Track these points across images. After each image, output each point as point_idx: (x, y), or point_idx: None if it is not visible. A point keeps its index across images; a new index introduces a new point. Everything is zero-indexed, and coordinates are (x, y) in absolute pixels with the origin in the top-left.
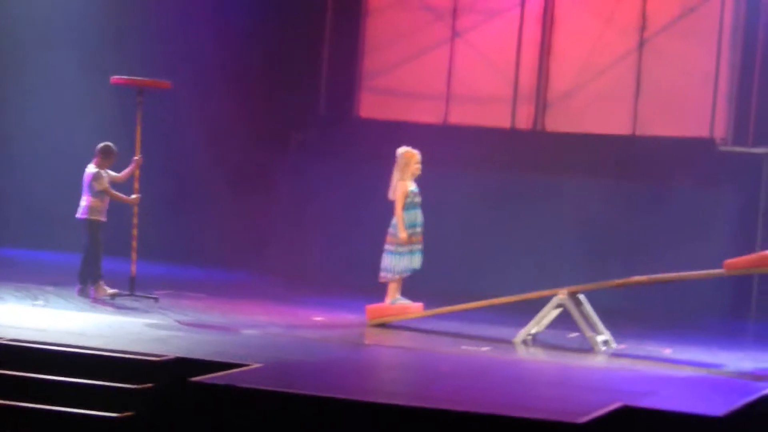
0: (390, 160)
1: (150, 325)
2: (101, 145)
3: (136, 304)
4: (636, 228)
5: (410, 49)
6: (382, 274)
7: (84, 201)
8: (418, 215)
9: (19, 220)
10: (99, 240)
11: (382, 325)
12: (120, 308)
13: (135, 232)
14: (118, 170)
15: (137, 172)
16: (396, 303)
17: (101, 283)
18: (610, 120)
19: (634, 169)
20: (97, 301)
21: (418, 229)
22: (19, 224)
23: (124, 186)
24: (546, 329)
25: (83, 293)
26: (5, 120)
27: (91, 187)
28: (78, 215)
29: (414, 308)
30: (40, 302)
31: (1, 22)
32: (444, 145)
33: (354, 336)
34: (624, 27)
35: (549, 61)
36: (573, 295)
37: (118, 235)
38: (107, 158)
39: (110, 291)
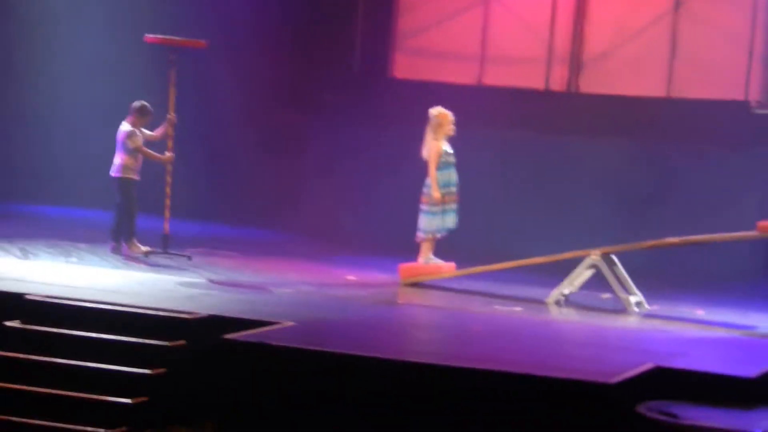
0: (424, 120)
1: (183, 283)
2: (137, 103)
3: (169, 262)
4: (670, 190)
5: (444, 10)
6: (418, 233)
7: (118, 159)
8: (452, 175)
9: (54, 179)
10: (133, 198)
11: (415, 285)
12: (153, 266)
13: (168, 190)
14: (152, 129)
15: (171, 131)
16: (429, 262)
17: (134, 240)
18: (644, 82)
19: (668, 131)
20: (130, 258)
21: (453, 189)
22: (54, 182)
23: (158, 145)
24: (579, 290)
25: (116, 251)
26: (40, 80)
27: (125, 145)
28: (112, 173)
29: (447, 268)
30: (74, 259)
31: None
32: (478, 105)
33: (387, 295)
34: None
35: (583, 23)
36: (606, 256)
37: (151, 193)
38: (143, 117)
39: (144, 249)
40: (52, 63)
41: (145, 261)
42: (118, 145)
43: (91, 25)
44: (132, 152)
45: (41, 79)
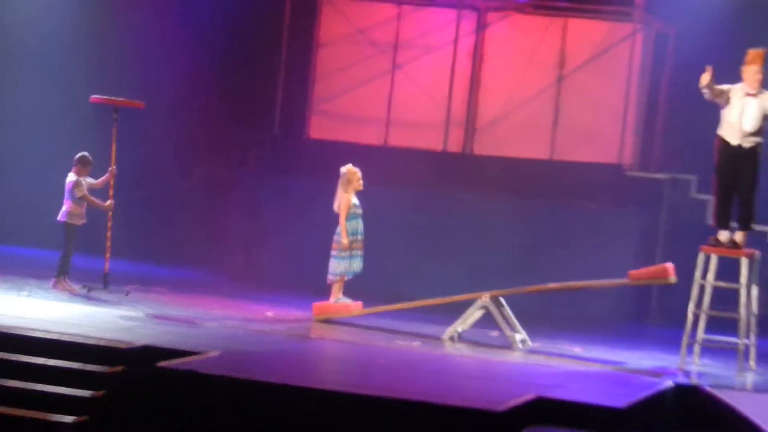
0: (335, 175)
1: (121, 316)
2: (79, 155)
3: (109, 297)
4: (552, 242)
5: (356, 79)
6: (329, 276)
7: (65, 206)
8: (359, 225)
9: (8, 220)
10: (72, 241)
11: (327, 321)
12: (94, 300)
13: (109, 233)
14: (95, 177)
15: (112, 181)
16: (339, 302)
17: (64, 278)
18: (530, 146)
19: (551, 190)
20: (74, 293)
21: (359, 237)
22: (8, 223)
23: (100, 192)
24: (470, 328)
25: (57, 286)
26: None
27: (71, 193)
28: (59, 218)
29: (355, 306)
30: (24, 293)
31: None
32: (384, 164)
33: (301, 330)
34: (544, 64)
35: (478, 93)
36: (495, 299)
37: (94, 235)
38: (84, 167)
39: (73, 287)
40: (8, 118)
41: (87, 296)
42: (66, 193)
43: (44, 85)
44: (78, 200)
45: None
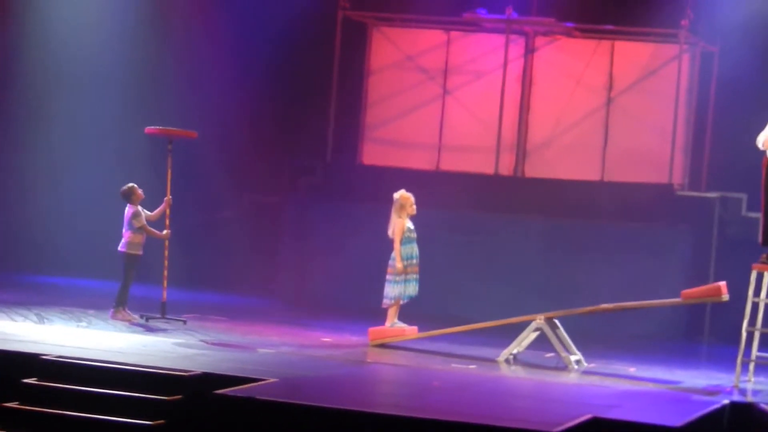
0: (388, 201)
1: (179, 344)
2: (129, 187)
3: (167, 326)
4: (603, 262)
5: (407, 105)
6: (384, 300)
7: (124, 236)
8: (414, 249)
9: (67, 251)
10: (132, 271)
11: (382, 346)
12: (153, 329)
13: (166, 262)
14: (150, 209)
15: (168, 211)
16: (394, 326)
17: (123, 308)
18: (580, 168)
19: (602, 210)
20: (133, 323)
21: (414, 261)
22: (67, 255)
23: (156, 223)
24: (526, 350)
25: (116, 316)
26: (56, 162)
27: (130, 223)
28: (119, 248)
29: (410, 331)
30: (84, 324)
31: (45, 74)
32: (436, 188)
33: (357, 355)
34: (593, 87)
35: (527, 116)
36: (549, 320)
37: (152, 265)
38: (130, 196)
39: (132, 316)
40: (68, 149)
41: (145, 325)
42: (125, 224)
43: (98, 110)
44: (137, 230)
45: (57, 162)
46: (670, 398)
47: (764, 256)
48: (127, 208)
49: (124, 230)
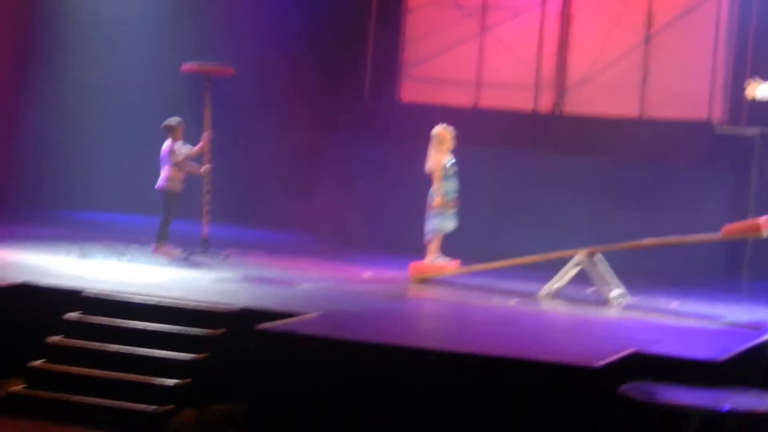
0: (427, 138)
1: (220, 279)
2: (171, 121)
3: (208, 261)
4: (644, 199)
5: (445, 42)
6: (426, 235)
7: (163, 173)
8: (453, 184)
9: (108, 188)
10: (172, 207)
11: (423, 281)
12: (194, 264)
13: (206, 198)
14: (186, 140)
15: (207, 147)
16: (435, 261)
17: (164, 243)
18: (620, 105)
19: (642, 148)
20: (175, 257)
21: (453, 196)
22: (108, 191)
23: (197, 158)
24: (567, 285)
25: (158, 251)
26: (96, 103)
27: (168, 159)
28: (158, 185)
29: (451, 265)
30: (126, 258)
31: (81, 17)
32: (475, 125)
33: (398, 290)
34: (632, 24)
35: (566, 53)
36: (590, 255)
37: (192, 200)
38: (177, 132)
39: (172, 252)
40: (107, 89)
41: (187, 260)
42: (162, 161)
43: (135, 49)
44: (175, 166)
45: (97, 104)
46: (711, 333)
47: None
48: (165, 144)
49: (162, 166)
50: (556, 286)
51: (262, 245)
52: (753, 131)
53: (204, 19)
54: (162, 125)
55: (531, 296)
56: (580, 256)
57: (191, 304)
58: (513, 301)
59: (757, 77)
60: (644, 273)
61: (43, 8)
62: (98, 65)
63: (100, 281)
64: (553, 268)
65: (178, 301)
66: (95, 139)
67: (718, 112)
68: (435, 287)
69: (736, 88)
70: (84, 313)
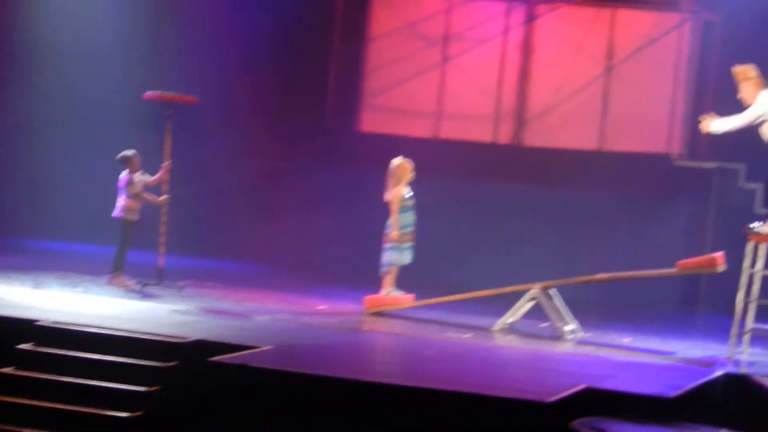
0: (386, 168)
1: (175, 311)
2: (126, 154)
3: (163, 292)
4: (600, 231)
5: (406, 72)
6: (382, 268)
7: (120, 201)
8: (411, 217)
9: (64, 217)
10: (128, 237)
11: (378, 314)
12: (149, 295)
13: (163, 228)
14: (151, 173)
15: (166, 176)
16: (390, 294)
17: (119, 274)
18: (579, 136)
19: (600, 180)
20: (129, 289)
21: (410, 229)
22: (64, 220)
23: (155, 188)
24: (521, 319)
25: (113, 282)
26: (55, 132)
27: (126, 190)
28: (114, 214)
29: (406, 299)
30: (80, 289)
31: (44, 40)
32: (434, 156)
33: (353, 323)
34: (593, 55)
35: (527, 84)
36: (545, 290)
37: (149, 231)
38: (129, 163)
39: (127, 283)
40: (67, 116)
41: (141, 291)
42: (120, 190)
43: (98, 76)
44: (132, 196)
45: (55, 132)
46: (664, 369)
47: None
48: (123, 174)
49: (119, 196)
50: (510, 320)
51: (220, 276)
52: (711, 164)
53: (167, 46)
54: (117, 157)
55: (485, 330)
56: (534, 290)
57: (144, 336)
58: (467, 335)
59: (712, 113)
60: (599, 307)
61: (3, 34)
62: (59, 92)
63: (53, 311)
64: (508, 302)
65: (132, 333)
66: (54, 167)
67: (677, 145)
68: (389, 320)
69: (696, 121)
70: (37, 344)
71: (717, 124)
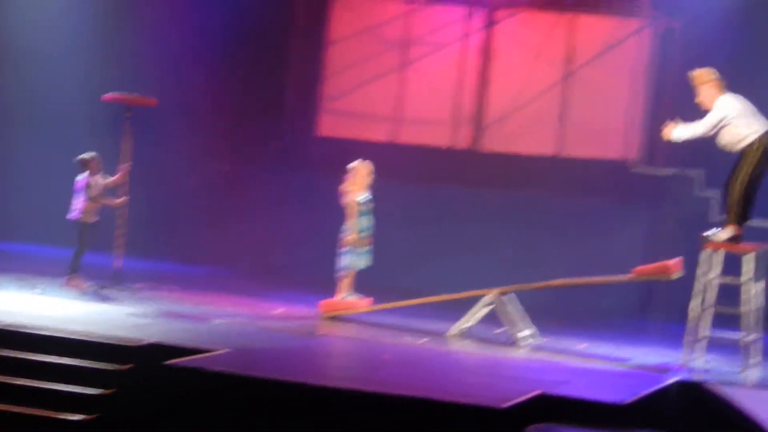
0: (344, 172)
1: (131, 314)
2: (87, 156)
3: (120, 295)
4: (557, 238)
5: (365, 76)
6: (338, 272)
7: (77, 203)
8: (368, 220)
9: (21, 218)
10: (85, 239)
11: (335, 318)
12: (105, 298)
13: (120, 231)
14: (111, 172)
15: (125, 178)
16: (347, 298)
17: (76, 276)
18: (537, 142)
19: (557, 186)
20: (85, 291)
21: (367, 233)
22: (22, 221)
23: (112, 189)
24: (477, 324)
25: (69, 284)
26: (13, 132)
27: (83, 193)
28: (71, 216)
29: (362, 303)
30: (37, 291)
31: (2, 42)
32: (392, 160)
33: (309, 327)
34: (552, 60)
35: (486, 89)
36: (501, 295)
37: (106, 233)
38: (88, 166)
39: (84, 285)
40: (24, 115)
41: (98, 293)
42: (77, 192)
43: (56, 77)
44: (91, 199)
45: (12, 131)
46: (618, 375)
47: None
48: (81, 176)
49: (76, 198)
50: (466, 325)
51: (178, 279)
52: (668, 171)
53: (126, 48)
54: (76, 159)
55: (441, 335)
56: (490, 295)
57: (100, 339)
58: (423, 340)
59: (677, 118)
60: (555, 313)
61: None
62: (16, 93)
63: (8, 313)
64: (465, 307)
65: (87, 336)
66: (10, 167)
67: (634, 151)
68: (345, 325)
69: (654, 128)
70: None
71: (678, 132)
